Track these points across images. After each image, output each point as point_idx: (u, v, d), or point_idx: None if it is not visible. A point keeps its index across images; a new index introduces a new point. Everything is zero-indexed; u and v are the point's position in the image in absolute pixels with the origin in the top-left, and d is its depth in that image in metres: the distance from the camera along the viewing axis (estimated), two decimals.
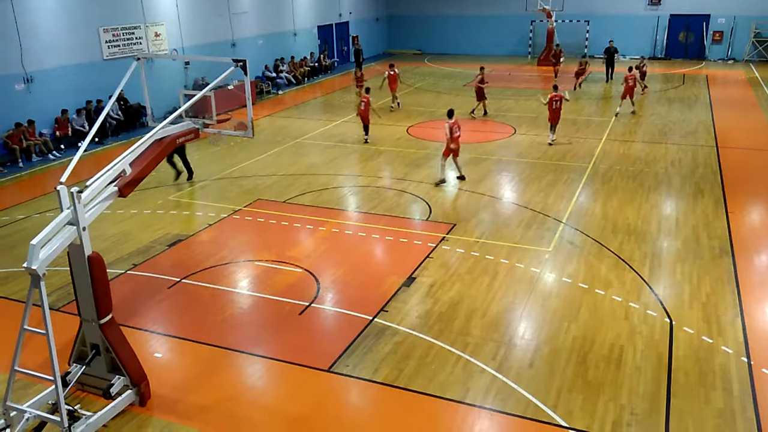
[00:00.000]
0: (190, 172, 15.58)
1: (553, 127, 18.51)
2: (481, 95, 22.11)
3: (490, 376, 7.93)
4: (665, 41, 35.12)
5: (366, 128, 19.09)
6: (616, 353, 8.35)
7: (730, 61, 33.95)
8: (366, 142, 18.92)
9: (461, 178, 15.32)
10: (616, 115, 21.67)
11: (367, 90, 19.64)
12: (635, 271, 10.62)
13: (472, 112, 22.28)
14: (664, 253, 11.32)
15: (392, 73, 23.14)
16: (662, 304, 9.59)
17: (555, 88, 18.43)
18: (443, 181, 15.20)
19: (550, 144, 18.24)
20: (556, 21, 34.20)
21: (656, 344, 8.55)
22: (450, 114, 15.14)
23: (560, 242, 11.82)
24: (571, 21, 35.40)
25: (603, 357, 8.28)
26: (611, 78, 28.01)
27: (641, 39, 35.40)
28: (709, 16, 33.89)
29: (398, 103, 23.72)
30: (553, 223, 12.69)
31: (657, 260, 11.05)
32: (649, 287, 10.09)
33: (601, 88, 27.73)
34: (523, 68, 33.70)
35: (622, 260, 10.99)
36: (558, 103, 18.02)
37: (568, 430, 6.97)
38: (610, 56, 28.06)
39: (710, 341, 8.59)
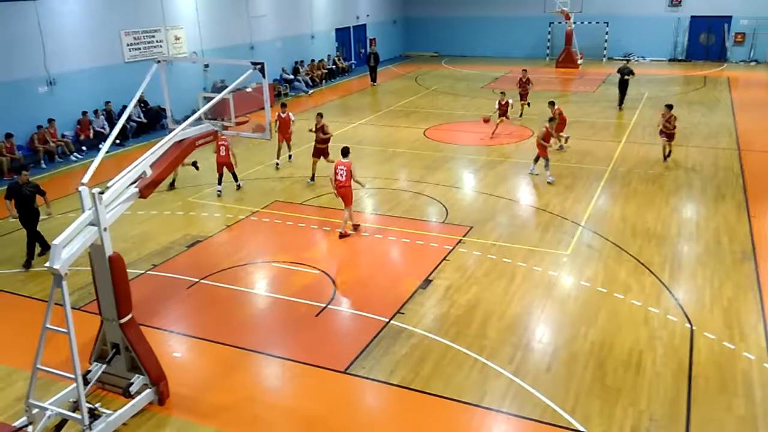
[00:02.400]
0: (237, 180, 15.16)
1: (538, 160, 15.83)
2: (524, 96, 22.43)
3: (507, 379, 7.90)
4: (686, 43, 34.71)
5: (233, 175, 14.95)
6: (635, 358, 8.27)
7: (753, 63, 33.45)
8: (238, 187, 15.11)
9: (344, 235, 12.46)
10: (560, 148, 18.00)
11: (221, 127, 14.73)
12: (655, 275, 10.51)
13: (519, 115, 22.14)
14: (685, 257, 11.19)
15: (283, 116, 16.47)
16: (682, 308, 9.48)
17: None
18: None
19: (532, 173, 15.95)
20: (574, 23, 33.98)
21: (676, 349, 8.45)
22: (344, 153, 12.49)
23: (578, 246, 11.73)
24: (590, 22, 35.13)
25: (622, 362, 8.20)
26: (622, 106, 23.55)
27: (661, 40, 35.03)
28: (731, 17, 33.43)
29: (289, 156, 17.25)
30: (571, 226, 12.60)
31: (677, 264, 10.92)
32: (669, 292, 9.98)
33: (611, 115, 22.65)
34: (541, 70, 33.49)
35: (642, 264, 10.89)
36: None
37: None
38: (623, 79, 23.46)
39: (732, 347, 8.48)
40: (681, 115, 22.08)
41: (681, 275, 10.52)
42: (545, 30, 36.67)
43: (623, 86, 23.53)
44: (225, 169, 14.70)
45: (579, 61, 33.98)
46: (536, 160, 15.56)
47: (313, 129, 15.21)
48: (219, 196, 14.71)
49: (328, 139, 15.24)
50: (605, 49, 35.78)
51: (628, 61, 24.50)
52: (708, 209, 13.38)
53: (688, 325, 9.01)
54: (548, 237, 12.10)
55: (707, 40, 34.44)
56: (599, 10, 35.00)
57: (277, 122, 16.34)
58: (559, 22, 35.25)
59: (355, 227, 12.53)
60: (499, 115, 19.58)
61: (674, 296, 9.83)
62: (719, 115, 21.96)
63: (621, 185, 14.98)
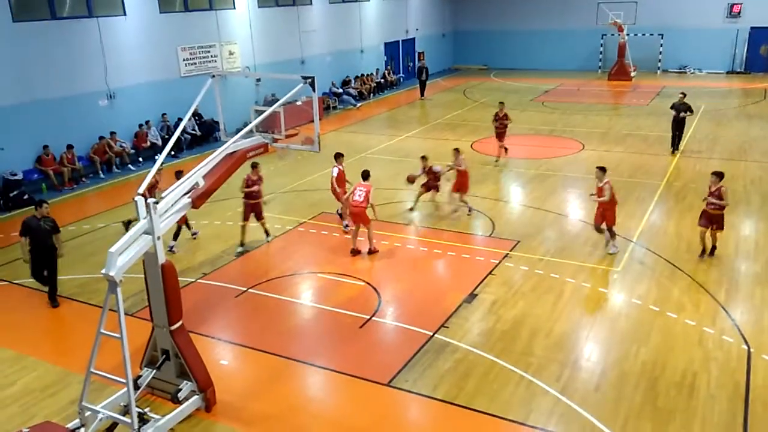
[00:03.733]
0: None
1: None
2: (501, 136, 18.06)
3: (554, 398, 7.73)
4: (744, 55, 33.56)
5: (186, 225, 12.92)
6: (688, 380, 7.98)
7: None
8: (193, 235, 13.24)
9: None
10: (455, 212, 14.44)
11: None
12: (710, 294, 10.14)
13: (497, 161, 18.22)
14: (742, 276, 10.77)
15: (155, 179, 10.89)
16: (739, 329, 9.11)
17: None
18: None
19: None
20: (627, 34, 33.32)
21: (732, 372, 8.12)
22: (365, 176, 12.13)
23: (630, 262, 11.43)
24: (643, 34, 34.39)
25: (674, 383, 7.92)
26: (677, 148, 18.68)
27: (719, 53, 33.97)
28: None
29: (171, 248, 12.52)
30: (622, 242, 12.29)
31: (734, 283, 10.52)
32: (726, 312, 9.60)
33: (665, 128, 20.54)
34: (593, 83, 32.96)
35: (697, 282, 10.52)
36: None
37: None
38: (678, 117, 18.38)
39: None
40: (740, 128, 21.37)
41: (738, 295, 10.12)
42: (597, 42, 36.09)
43: (679, 126, 18.55)
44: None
45: (632, 74, 33.27)
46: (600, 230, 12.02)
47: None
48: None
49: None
50: (659, 61, 34.96)
51: (684, 95, 18.38)
52: (767, 227, 12.86)
53: (745, 347, 8.64)
54: (598, 253, 11.83)
55: (767, 53, 33.23)
56: (653, 22, 34.24)
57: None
58: (612, 34, 34.62)
59: (371, 252, 12.02)
60: (427, 186, 14.12)
61: (731, 316, 9.45)
62: None
63: (676, 200, 14.55)
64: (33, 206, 15.52)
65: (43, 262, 10.35)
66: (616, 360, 8.49)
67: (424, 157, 14.21)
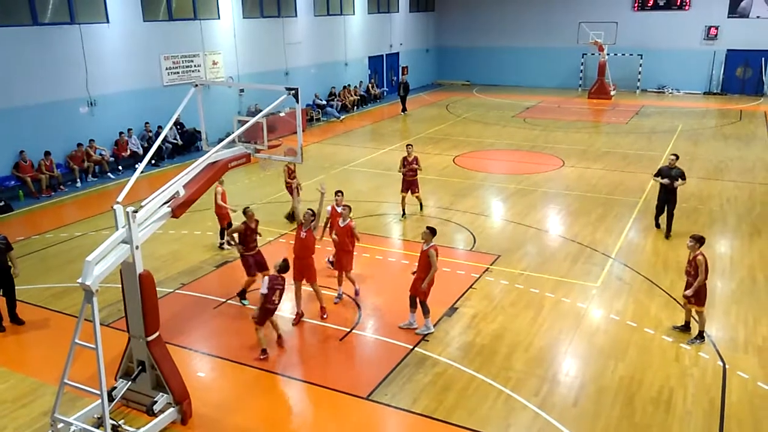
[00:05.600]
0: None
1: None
2: (411, 186, 14.76)
3: (533, 413, 7.74)
4: (721, 76, 34.30)
5: (220, 230, 13.04)
6: (665, 396, 8.05)
7: None
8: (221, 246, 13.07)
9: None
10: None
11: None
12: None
13: (403, 215, 15.00)
14: (718, 294, 10.91)
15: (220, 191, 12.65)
16: (715, 346, 9.22)
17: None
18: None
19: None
20: (608, 54, 33.88)
21: (708, 388, 8.21)
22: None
23: (608, 278, 11.54)
24: (623, 54, 34.98)
25: (651, 399, 7.99)
26: (669, 230, 13.49)
27: (696, 73, 34.66)
28: None
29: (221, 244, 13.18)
30: (601, 258, 12.42)
31: (710, 301, 10.62)
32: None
33: (643, 147, 22.65)
34: (573, 101, 33.40)
35: (674, 299, 10.65)
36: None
37: None
38: (669, 188, 13.34)
39: (766, 388, 8.19)
40: (716, 148, 21.76)
41: (714, 312, 10.24)
42: (578, 61, 36.63)
43: (669, 198, 13.44)
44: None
45: (612, 93, 33.79)
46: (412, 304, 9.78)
47: (401, 163, 14.50)
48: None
49: (415, 171, 14.49)
50: (639, 80, 35.54)
51: (676, 157, 13.49)
52: (743, 245, 13.06)
53: (721, 364, 8.75)
54: (577, 268, 11.93)
55: (744, 74, 33.99)
56: (633, 42, 34.86)
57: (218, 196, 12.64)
58: (593, 54, 35.18)
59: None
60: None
61: (706, 333, 9.56)
62: (755, 150, 21.54)
63: (653, 218, 14.72)
64: (7, 214, 15.45)
65: (1, 284, 9.81)
66: (594, 375, 8.54)
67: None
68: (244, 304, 10.69)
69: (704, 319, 9.36)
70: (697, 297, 9.19)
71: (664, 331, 9.61)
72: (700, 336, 9.35)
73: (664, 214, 13.58)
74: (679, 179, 13.22)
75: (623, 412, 7.74)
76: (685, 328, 9.59)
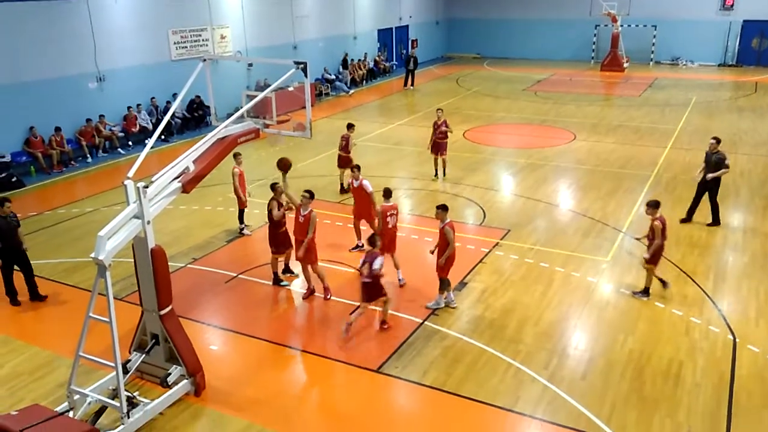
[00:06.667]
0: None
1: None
2: (440, 148, 15.58)
3: (542, 385, 7.80)
4: (737, 47, 33.67)
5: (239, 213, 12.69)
6: (674, 369, 8.07)
7: None
8: (241, 232, 12.68)
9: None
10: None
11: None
12: (698, 284, 10.23)
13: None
14: (730, 268, 10.87)
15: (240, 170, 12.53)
16: (726, 320, 9.21)
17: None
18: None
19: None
20: (621, 25, 33.31)
21: (718, 362, 8.22)
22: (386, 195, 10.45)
23: (619, 252, 11.50)
24: (637, 26, 34.38)
25: (660, 372, 8.01)
26: (716, 218, 12.58)
27: (711, 44, 34.05)
28: None
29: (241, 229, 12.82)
30: (612, 232, 12.37)
31: (721, 274, 10.62)
32: (712, 302, 9.70)
33: (656, 120, 24.48)
34: (585, 73, 32.97)
35: (684, 273, 10.61)
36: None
37: None
38: (706, 181, 12.42)
39: None
40: (730, 120, 21.47)
41: (725, 286, 10.22)
42: (591, 33, 36.06)
43: (710, 187, 12.46)
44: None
45: (625, 65, 33.31)
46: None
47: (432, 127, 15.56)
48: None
49: (445, 134, 15.46)
50: (652, 52, 34.99)
51: (716, 141, 12.36)
52: (756, 218, 12.96)
53: (731, 337, 8.75)
54: (588, 243, 11.90)
55: (759, 45, 33.35)
56: (647, 13, 34.23)
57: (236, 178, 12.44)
58: (606, 25, 34.61)
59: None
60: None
61: (717, 307, 9.55)
62: None
63: (665, 192, 14.62)
64: (19, 189, 15.57)
65: (16, 261, 9.86)
66: (604, 349, 8.56)
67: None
68: (283, 285, 10.47)
69: (651, 278, 9.82)
70: (652, 257, 9.66)
71: (674, 305, 9.60)
72: (646, 292, 9.85)
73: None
74: (722, 168, 12.16)
75: (632, 385, 7.77)
76: (645, 292, 9.87)
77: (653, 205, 9.63)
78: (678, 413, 7.25)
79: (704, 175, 12.43)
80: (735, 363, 8.18)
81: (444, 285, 9.53)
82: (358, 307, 8.98)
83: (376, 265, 8.68)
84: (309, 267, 9.98)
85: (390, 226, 10.26)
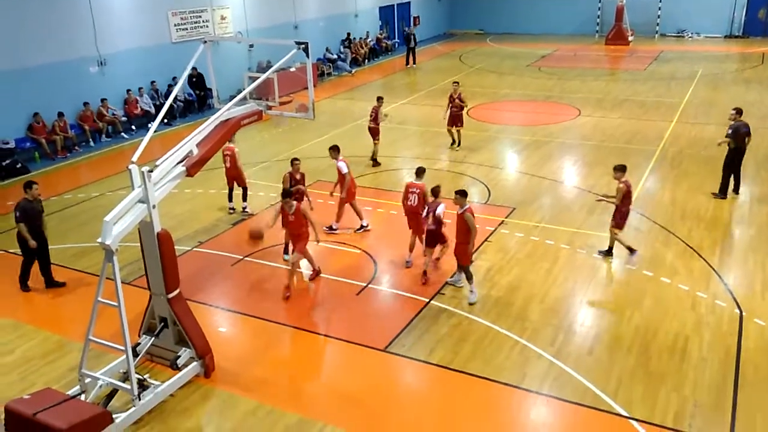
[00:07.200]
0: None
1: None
2: (456, 120, 16.35)
3: (548, 362, 7.84)
4: (743, 19, 33.21)
5: (243, 191, 12.81)
6: (680, 343, 8.10)
7: None
8: (230, 210, 12.89)
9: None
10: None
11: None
12: (704, 259, 10.22)
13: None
14: (736, 241, 10.84)
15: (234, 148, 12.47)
16: (732, 294, 9.21)
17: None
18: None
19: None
20: None
21: (724, 336, 8.23)
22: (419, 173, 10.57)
23: (625, 228, 11.45)
24: None
25: (667, 347, 8.04)
26: (737, 190, 12.82)
27: (717, 16, 33.60)
28: None
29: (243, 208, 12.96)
30: None
31: (728, 248, 10.60)
32: (719, 276, 9.70)
33: (661, 94, 24.59)
34: (590, 47, 32.62)
35: (691, 248, 10.59)
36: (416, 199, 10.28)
37: (628, 420, 6.84)
38: (736, 148, 12.56)
39: None
40: (737, 93, 21.24)
41: (731, 260, 10.20)
42: (595, 6, 35.59)
43: (736, 158, 12.59)
44: (235, 183, 12.73)
45: (630, 38, 32.93)
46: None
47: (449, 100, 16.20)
48: (231, 213, 12.86)
49: (460, 107, 16.12)
50: (657, 25, 34.55)
51: (739, 112, 12.68)
52: (762, 191, 12.89)
53: (738, 311, 8.75)
54: (593, 219, 11.87)
55: (766, 16, 32.87)
56: None
57: (227, 159, 12.46)
58: None
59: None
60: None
61: (724, 281, 9.55)
62: None
63: (671, 166, 14.55)
64: (24, 175, 15.57)
65: (39, 247, 9.81)
66: (610, 324, 8.59)
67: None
68: (286, 260, 10.65)
69: (614, 240, 10.19)
70: (615, 219, 10.05)
71: (680, 279, 9.60)
72: (609, 252, 10.35)
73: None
74: (746, 136, 12.42)
75: (638, 360, 7.81)
76: (608, 252, 10.35)
77: (619, 169, 9.92)
78: (684, 387, 7.29)
79: (737, 144, 12.51)
80: (741, 337, 8.20)
81: (467, 273, 9.21)
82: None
83: (439, 210, 9.57)
84: (306, 248, 9.76)
85: (409, 203, 10.28)
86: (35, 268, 10.08)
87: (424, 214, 9.86)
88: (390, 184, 14.13)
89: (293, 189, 10.33)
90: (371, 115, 15.53)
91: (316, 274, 10.16)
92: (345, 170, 11.33)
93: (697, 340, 8.16)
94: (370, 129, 15.60)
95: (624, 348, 8.06)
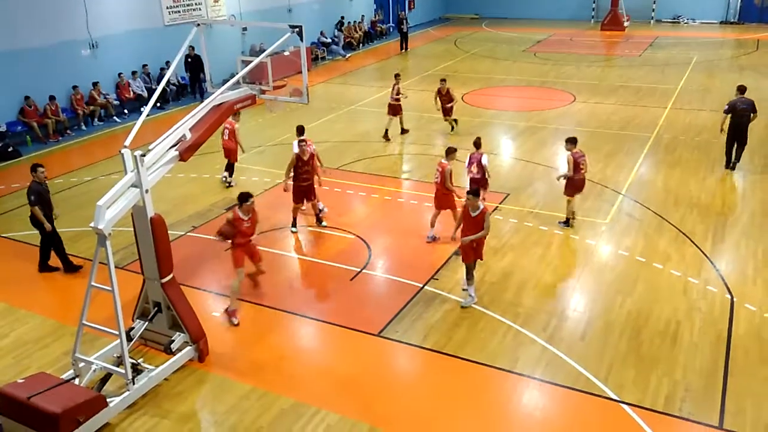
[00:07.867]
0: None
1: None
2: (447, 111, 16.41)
3: (541, 347, 7.89)
4: (739, 4, 33.13)
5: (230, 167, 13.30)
6: (672, 328, 8.16)
7: None
8: (229, 185, 13.32)
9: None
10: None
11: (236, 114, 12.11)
12: (696, 245, 10.28)
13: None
14: (728, 228, 10.90)
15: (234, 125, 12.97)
16: (723, 279, 9.27)
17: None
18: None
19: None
20: None
21: (715, 321, 8.30)
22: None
23: (618, 214, 11.52)
24: None
25: (658, 332, 8.10)
26: (737, 162, 13.45)
27: (713, 2, 33.51)
28: None
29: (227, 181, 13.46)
30: (611, 194, 12.36)
31: (720, 235, 10.65)
32: (711, 262, 9.76)
33: (656, 80, 23.91)
34: (585, 33, 32.51)
35: (683, 234, 10.64)
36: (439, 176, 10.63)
37: (619, 404, 6.90)
38: (739, 122, 13.14)
39: None
40: (732, 79, 21.24)
41: (723, 246, 10.26)
42: None
43: (740, 133, 13.17)
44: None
45: (625, 24, 32.83)
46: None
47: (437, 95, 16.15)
48: (228, 187, 13.20)
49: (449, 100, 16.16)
50: (653, 10, 34.44)
51: (742, 90, 13.20)
52: (755, 178, 12.94)
53: (729, 296, 8.82)
54: (587, 205, 11.90)
55: (762, 2, 32.81)
56: None
57: (225, 131, 12.80)
58: None
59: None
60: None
61: (716, 267, 9.61)
62: None
63: (665, 153, 14.58)
64: (16, 159, 15.47)
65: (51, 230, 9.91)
66: (602, 310, 8.64)
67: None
68: (293, 232, 11.23)
69: (569, 209, 10.88)
70: (566, 187, 10.76)
71: (672, 265, 9.66)
72: (566, 222, 10.94)
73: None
74: (752, 113, 13.02)
75: (630, 345, 7.87)
76: (566, 223, 10.93)
77: (570, 141, 10.83)
78: (675, 372, 7.36)
79: (737, 119, 13.10)
80: (732, 322, 8.27)
81: (469, 273, 8.77)
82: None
83: (485, 160, 10.79)
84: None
85: (435, 179, 10.71)
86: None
87: (467, 163, 11.04)
88: (385, 169, 14.10)
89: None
90: (392, 93, 15.99)
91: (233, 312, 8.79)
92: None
93: (689, 325, 8.23)
94: (389, 106, 16.03)
95: (616, 333, 8.12)
